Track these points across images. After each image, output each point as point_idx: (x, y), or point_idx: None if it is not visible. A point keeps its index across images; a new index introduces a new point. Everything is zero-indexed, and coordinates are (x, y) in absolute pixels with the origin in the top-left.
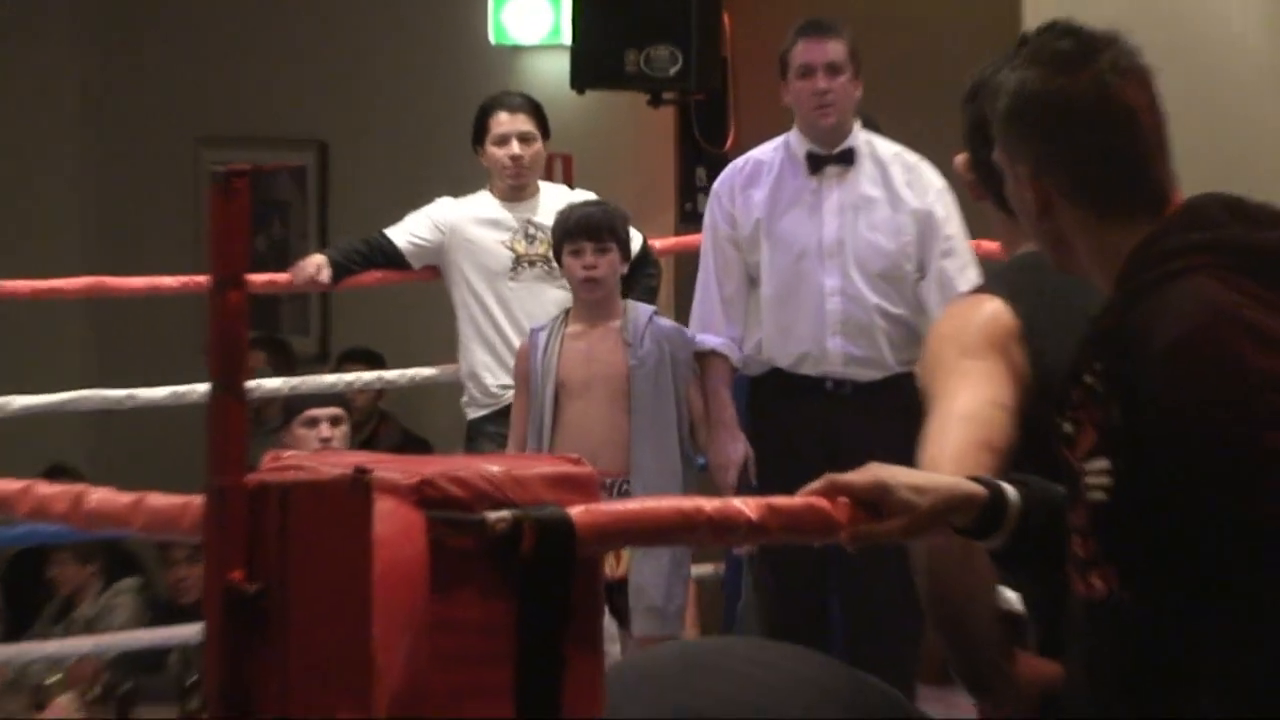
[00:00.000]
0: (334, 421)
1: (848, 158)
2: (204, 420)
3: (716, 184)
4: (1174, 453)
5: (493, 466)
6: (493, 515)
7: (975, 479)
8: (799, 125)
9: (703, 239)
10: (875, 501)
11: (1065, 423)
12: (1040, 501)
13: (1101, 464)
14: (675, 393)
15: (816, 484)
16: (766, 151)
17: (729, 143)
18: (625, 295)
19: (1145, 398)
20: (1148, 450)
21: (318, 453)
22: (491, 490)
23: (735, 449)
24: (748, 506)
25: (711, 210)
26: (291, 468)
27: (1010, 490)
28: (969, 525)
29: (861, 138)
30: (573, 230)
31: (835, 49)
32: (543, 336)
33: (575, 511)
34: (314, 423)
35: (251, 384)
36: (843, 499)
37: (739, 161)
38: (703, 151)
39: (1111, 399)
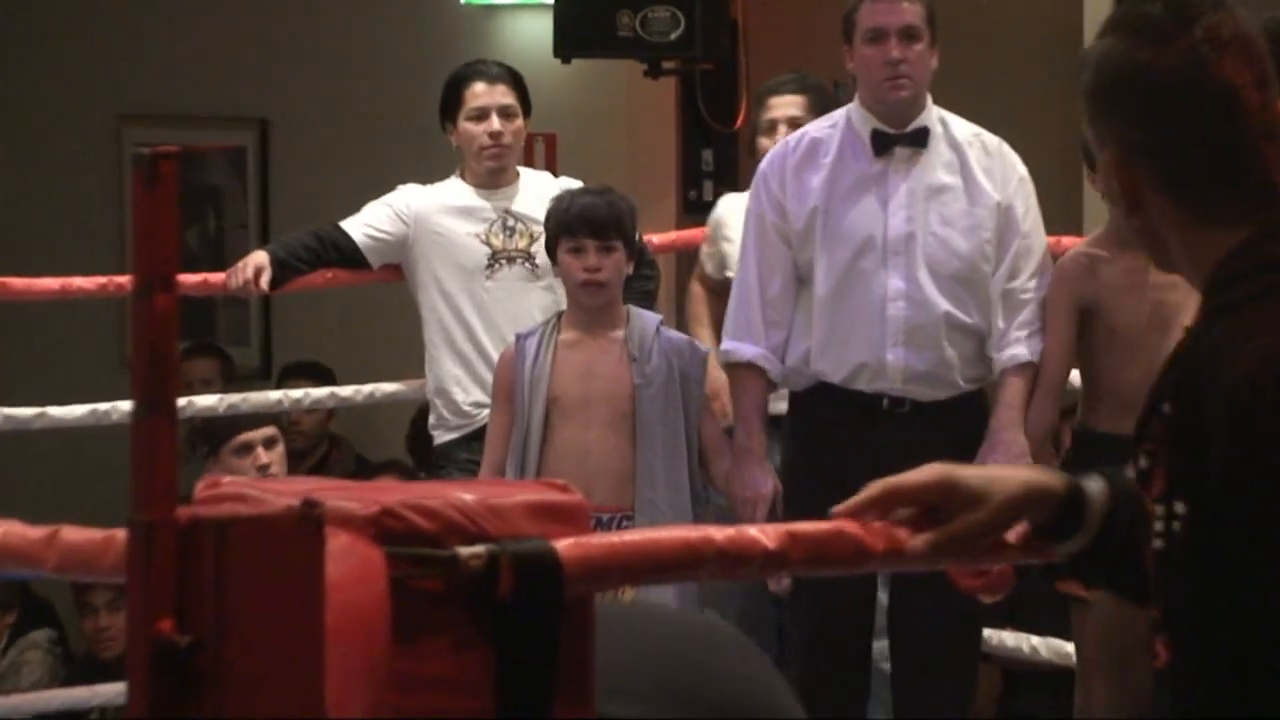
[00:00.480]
0: (269, 444)
1: (920, 139)
2: (127, 443)
3: (764, 165)
4: (1231, 508)
5: (465, 494)
6: (465, 551)
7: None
8: (863, 98)
9: (744, 230)
10: (939, 503)
11: (1142, 456)
12: (1129, 497)
13: (1165, 509)
14: (686, 417)
15: (868, 492)
16: (822, 128)
17: (739, 120)
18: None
19: (1210, 439)
20: (1208, 499)
21: (262, 480)
22: (464, 522)
23: (764, 482)
24: (765, 534)
25: (758, 195)
26: (231, 498)
27: (1093, 483)
28: (1046, 523)
29: (935, 115)
30: (573, 224)
31: (911, 10)
32: (532, 343)
33: (562, 545)
34: (248, 449)
35: (182, 402)
36: (878, 524)
37: (791, 139)
38: (709, 131)
39: (1181, 435)
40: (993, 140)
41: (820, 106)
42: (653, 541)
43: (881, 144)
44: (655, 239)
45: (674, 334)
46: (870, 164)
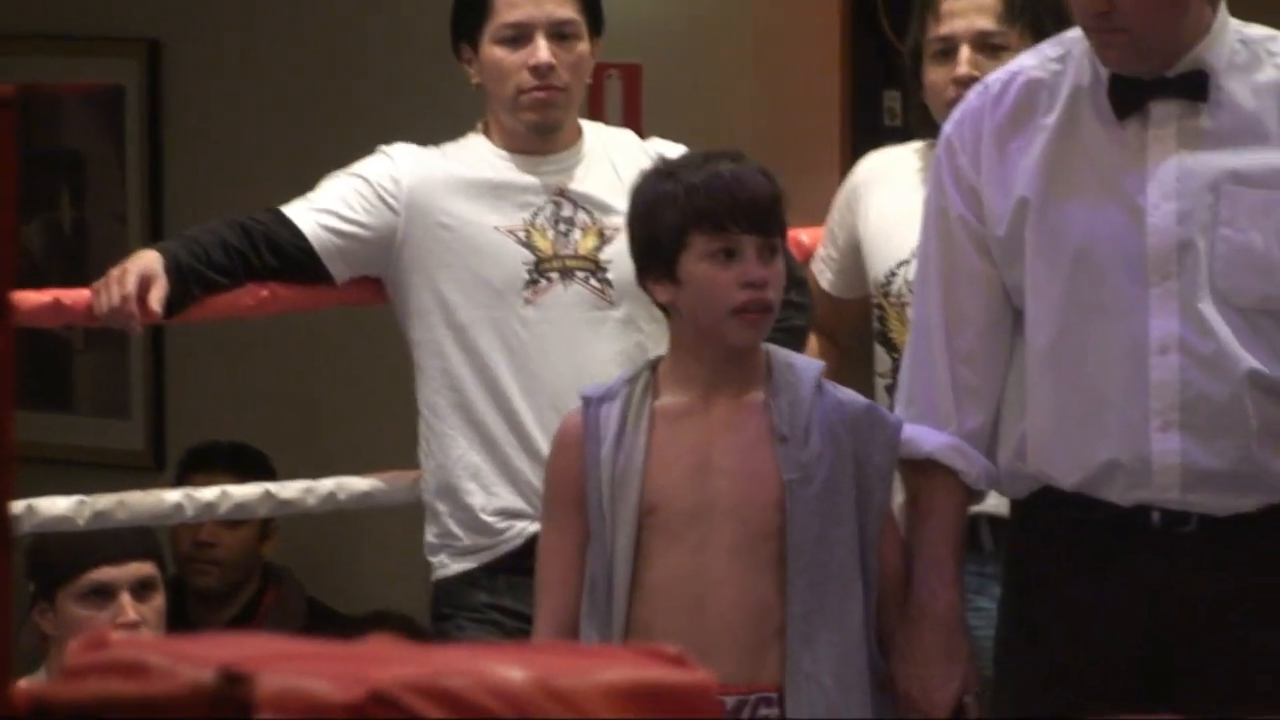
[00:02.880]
0: (142, 589)
1: (1193, 87)
2: None
3: (949, 126)
4: None
5: (509, 669)
6: None
7: None
8: None
9: (921, 235)
10: None
11: None
12: None
13: None
14: (863, 534)
15: None
16: (1046, 62)
17: None
18: None
19: None
20: None
21: (169, 639)
22: (508, 715)
23: (948, 679)
24: None
25: (938, 178)
26: (119, 667)
27: None
28: None
29: (1226, 42)
30: (722, 209)
31: None
32: (612, 413)
33: None
34: (105, 593)
35: (19, 507)
36: None
37: (993, 80)
38: (897, 59)
39: None
40: None
41: (1033, 15)
42: None
43: (1127, 97)
44: (805, 238)
45: (844, 394)
46: (1115, 126)
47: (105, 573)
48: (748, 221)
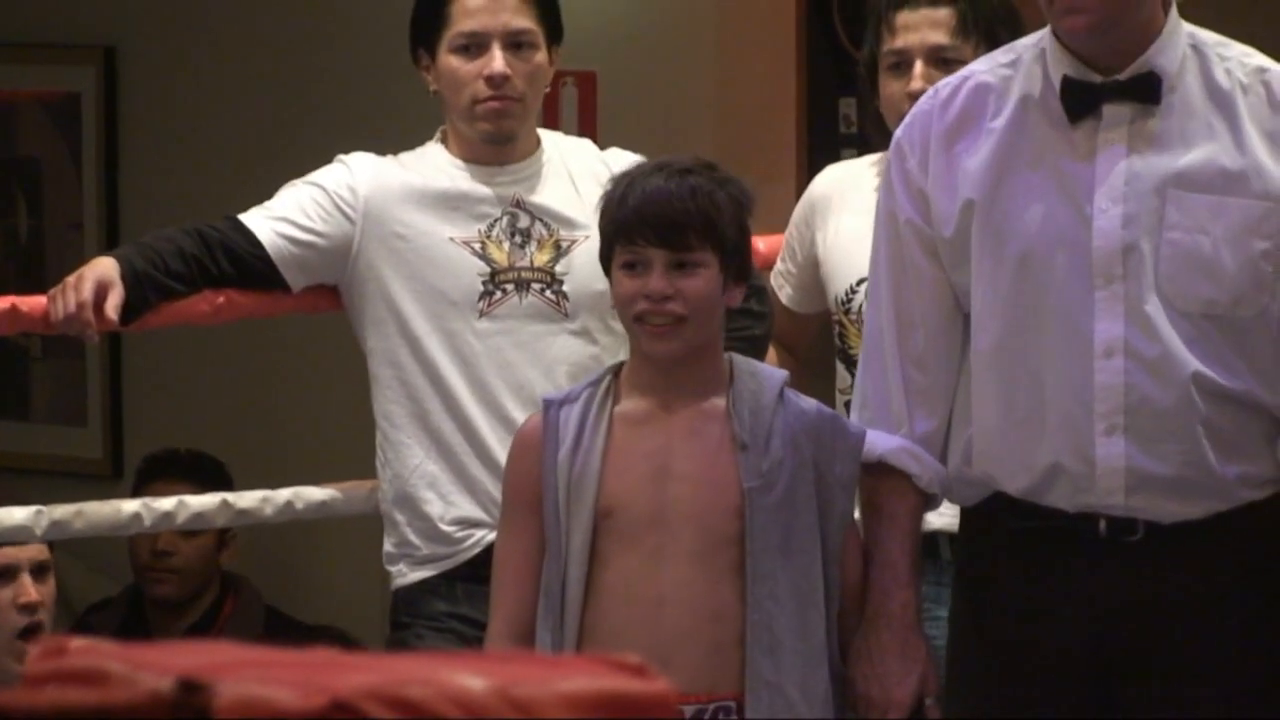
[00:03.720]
0: (38, 571)
1: (1145, 90)
2: None
3: (900, 130)
4: None
5: (470, 678)
6: None
7: None
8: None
9: (874, 238)
10: None
11: None
12: None
13: None
14: (825, 542)
15: None
16: (997, 67)
17: None
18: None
19: None
20: None
21: (128, 647)
22: None
23: (904, 679)
24: None
25: (889, 182)
26: (80, 675)
27: None
28: None
29: (1179, 45)
30: (630, 222)
31: None
32: (570, 417)
33: None
34: (5, 574)
35: None
36: None
37: (944, 85)
38: (852, 67)
39: None
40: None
41: (986, 28)
42: None
43: (1079, 100)
44: (763, 246)
45: (807, 403)
46: (1065, 129)
47: (6, 554)
48: (654, 235)
